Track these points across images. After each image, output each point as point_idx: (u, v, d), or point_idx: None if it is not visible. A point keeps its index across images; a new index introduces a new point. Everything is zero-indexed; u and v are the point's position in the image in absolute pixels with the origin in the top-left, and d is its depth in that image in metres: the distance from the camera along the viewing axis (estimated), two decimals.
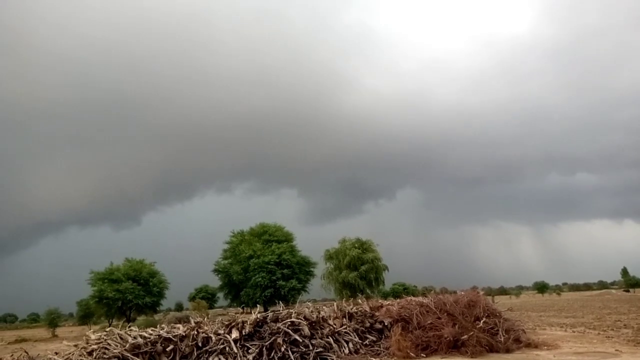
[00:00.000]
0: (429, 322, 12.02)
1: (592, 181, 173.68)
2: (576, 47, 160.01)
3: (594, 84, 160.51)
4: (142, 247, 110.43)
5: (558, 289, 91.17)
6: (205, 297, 58.98)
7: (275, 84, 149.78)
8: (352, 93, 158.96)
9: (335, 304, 13.84)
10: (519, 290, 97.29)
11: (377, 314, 13.12)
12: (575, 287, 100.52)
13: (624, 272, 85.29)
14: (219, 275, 44.37)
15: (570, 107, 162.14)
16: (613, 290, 74.67)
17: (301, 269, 41.92)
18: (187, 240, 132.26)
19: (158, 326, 11.60)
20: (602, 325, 16.40)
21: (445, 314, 12.31)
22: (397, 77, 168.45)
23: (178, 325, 11.66)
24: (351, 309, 13.26)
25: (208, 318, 12.71)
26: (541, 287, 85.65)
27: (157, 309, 43.30)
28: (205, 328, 11.16)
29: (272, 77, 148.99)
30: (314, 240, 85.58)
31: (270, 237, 42.61)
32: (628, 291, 70.48)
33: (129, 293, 37.03)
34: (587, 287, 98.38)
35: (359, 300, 14.87)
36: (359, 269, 34.74)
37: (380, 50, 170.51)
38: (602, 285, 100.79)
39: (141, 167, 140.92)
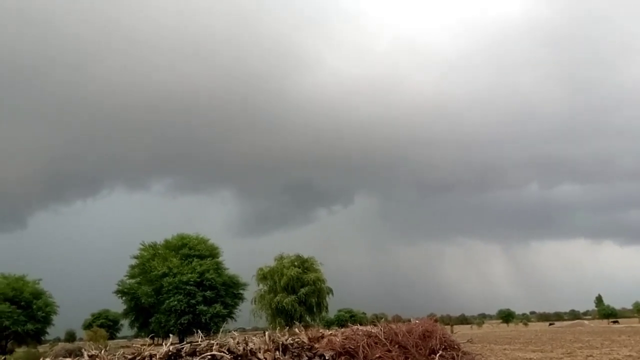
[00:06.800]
0: (377, 355, 12.29)
1: (575, 193, 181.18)
2: (576, 34, 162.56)
3: (595, 79, 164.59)
4: (26, 258, 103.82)
5: (525, 319, 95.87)
6: (104, 325, 57.90)
7: (215, 57, 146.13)
8: (310, 74, 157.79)
9: (267, 333, 13.82)
10: (482, 319, 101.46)
11: (317, 345, 13.24)
12: (545, 317, 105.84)
13: (599, 300, 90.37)
14: (124, 298, 43.15)
15: (564, 105, 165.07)
16: (586, 322, 79.42)
17: (228, 291, 41.68)
18: (86, 251, 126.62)
19: None
20: None
21: (397, 345, 12.64)
22: (366, 58, 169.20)
23: (68, 359, 11.29)
24: (286, 339, 13.30)
25: (107, 351, 12.31)
26: (506, 316, 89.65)
27: (42, 338, 43.06)
28: None
29: (211, 48, 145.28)
30: (246, 256, 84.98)
31: (190, 251, 42.06)
32: (617, 322, 74.22)
33: (5, 318, 36.49)
34: (558, 316, 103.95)
35: (296, 330, 14.95)
36: (297, 292, 34.97)
37: (346, 26, 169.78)
38: (574, 315, 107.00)
39: (29, 151, 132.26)
